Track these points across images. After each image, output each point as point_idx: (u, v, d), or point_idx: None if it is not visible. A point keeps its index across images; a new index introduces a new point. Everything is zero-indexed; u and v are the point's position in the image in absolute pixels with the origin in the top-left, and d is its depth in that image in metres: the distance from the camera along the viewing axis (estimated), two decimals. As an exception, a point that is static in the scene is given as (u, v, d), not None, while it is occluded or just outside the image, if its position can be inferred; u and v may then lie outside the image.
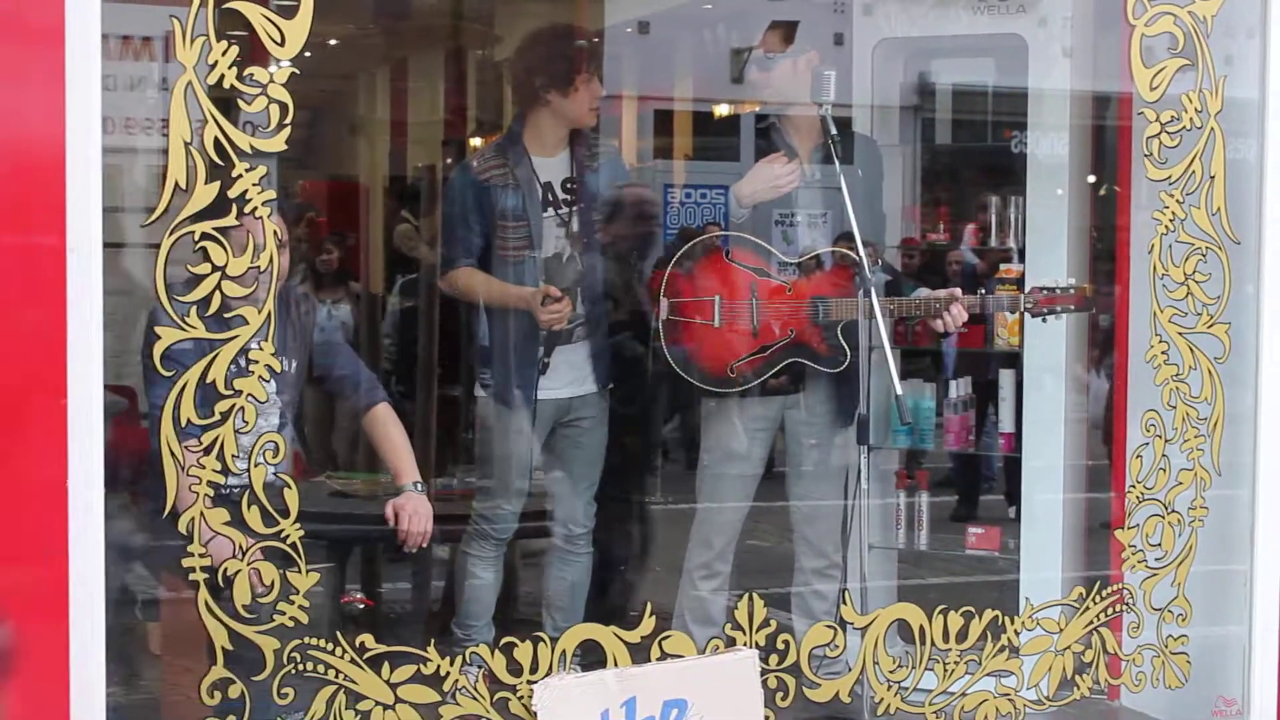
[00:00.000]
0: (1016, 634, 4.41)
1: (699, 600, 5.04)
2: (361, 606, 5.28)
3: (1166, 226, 4.49)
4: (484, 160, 5.26)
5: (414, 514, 4.46)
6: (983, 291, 5.31)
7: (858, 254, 4.76)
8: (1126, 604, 4.54)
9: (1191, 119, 4.46)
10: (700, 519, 5.22)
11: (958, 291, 5.03)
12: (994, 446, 6.11)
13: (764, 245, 5.10)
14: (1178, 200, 4.48)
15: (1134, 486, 4.52)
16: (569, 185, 5.19)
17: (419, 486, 4.51)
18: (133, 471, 4.18)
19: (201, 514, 3.46)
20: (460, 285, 5.24)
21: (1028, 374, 5.57)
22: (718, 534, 5.18)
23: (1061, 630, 4.47)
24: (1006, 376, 5.74)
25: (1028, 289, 5.16)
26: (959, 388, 5.89)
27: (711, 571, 5.12)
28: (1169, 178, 4.48)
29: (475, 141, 9.88)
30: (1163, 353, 4.52)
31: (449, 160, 8.88)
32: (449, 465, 6.29)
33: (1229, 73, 4.49)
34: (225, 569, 3.50)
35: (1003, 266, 5.79)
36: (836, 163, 4.88)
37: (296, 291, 4.86)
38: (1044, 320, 5.07)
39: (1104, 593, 4.53)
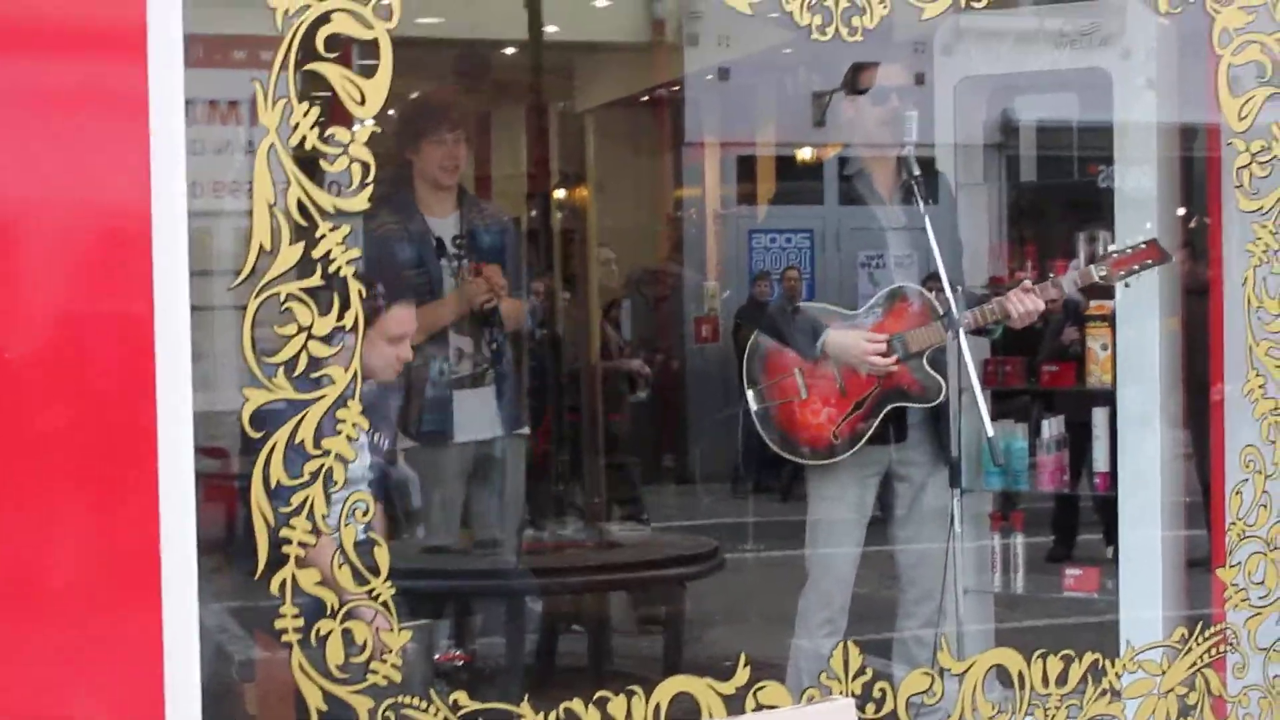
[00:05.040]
0: (1118, 677, 4.34)
1: (820, 658, 4.99)
2: (460, 664, 5.28)
3: (1260, 258, 4.43)
4: (377, 220, 5.30)
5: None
6: (1052, 275, 5.24)
7: (945, 295, 4.75)
8: (1230, 644, 4.46)
9: (1283, 149, 4.40)
10: (817, 574, 5.19)
11: (1026, 282, 4.99)
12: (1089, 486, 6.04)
13: (826, 306, 5.15)
14: (1271, 231, 4.42)
15: (1234, 523, 4.44)
16: (458, 241, 5.42)
17: None
18: (227, 532, 4.22)
19: (293, 575, 3.47)
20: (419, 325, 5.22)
21: (1122, 411, 5.50)
22: (837, 588, 5.15)
23: (1164, 672, 4.40)
24: (1100, 415, 5.67)
25: (1098, 258, 5.09)
26: (1051, 427, 5.82)
27: (835, 628, 5.08)
28: (1261, 208, 4.42)
29: (559, 194, 9.97)
30: (1260, 386, 4.45)
31: (533, 213, 8.94)
32: (538, 517, 6.30)
33: (1319, 100, 4.44)
34: (318, 629, 3.51)
35: (1094, 303, 5.72)
36: (920, 204, 4.86)
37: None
38: (1126, 284, 4.99)
39: (1206, 633, 4.45)
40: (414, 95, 6.11)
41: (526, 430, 5.75)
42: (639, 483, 8.85)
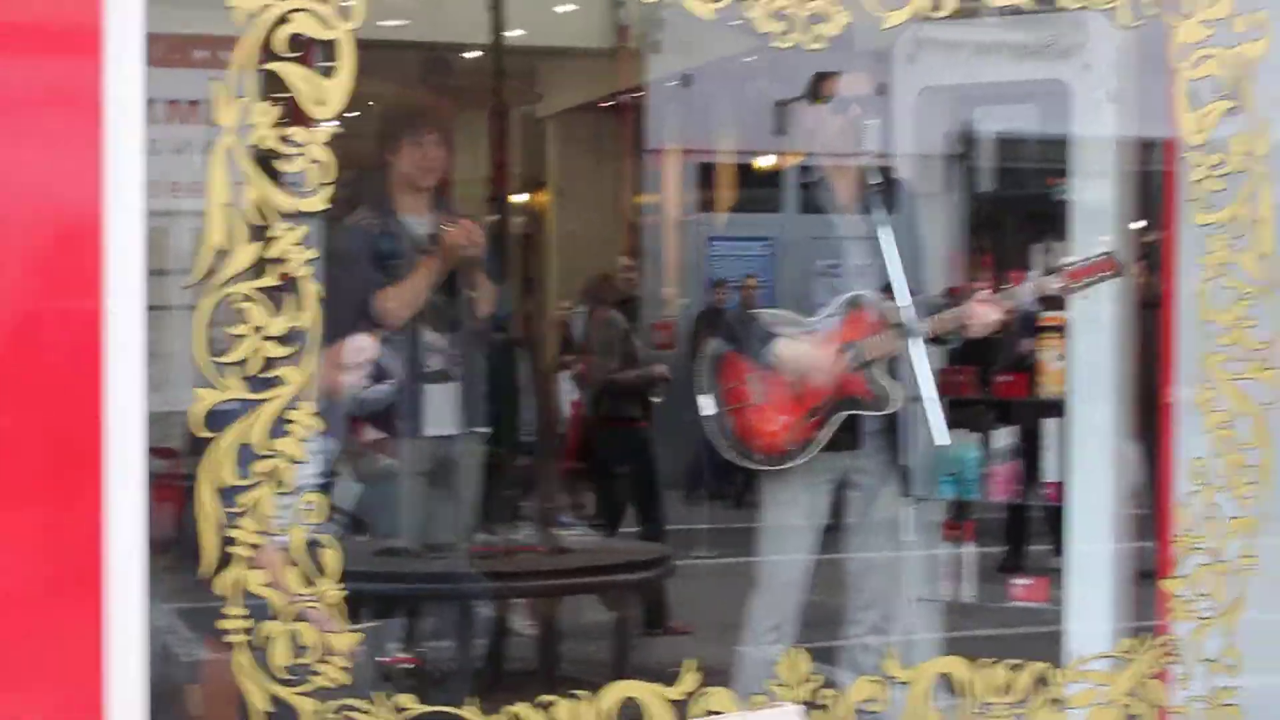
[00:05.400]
0: (1063, 687, 4.36)
1: (768, 665, 4.99)
2: (408, 667, 5.27)
3: (1214, 271, 4.45)
4: (356, 214, 5.45)
5: None
6: (1006, 285, 5.25)
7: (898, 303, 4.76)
8: (1175, 655, 4.48)
9: (1238, 163, 4.42)
10: (766, 581, 5.19)
11: (984, 292, 5.01)
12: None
13: (781, 313, 5.14)
14: (1225, 245, 4.44)
15: (1182, 535, 4.47)
16: (434, 239, 5.44)
17: None
18: (176, 532, 4.20)
19: (241, 575, 3.46)
20: (403, 299, 5.31)
21: (1074, 422, 5.52)
22: (786, 595, 5.15)
23: (1109, 683, 4.42)
24: (1052, 425, 5.70)
25: (1054, 269, 5.10)
26: (1004, 437, 5.85)
27: (782, 634, 5.09)
28: (1216, 222, 4.44)
29: (520, 198, 9.97)
30: (1210, 399, 4.47)
31: (496, 216, 8.94)
32: (488, 522, 6.30)
33: (1276, 114, 4.46)
34: (264, 630, 3.50)
35: (1045, 314, 5.74)
36: (878, 213, 4.88)
37: None
38: (1084, 296, 5.00)
39: (1152, 644, 4.48)
40: (395, 97, 6.13)
41: (487, 429, 5.76)
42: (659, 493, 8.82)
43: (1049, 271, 5.12)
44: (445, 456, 5.55)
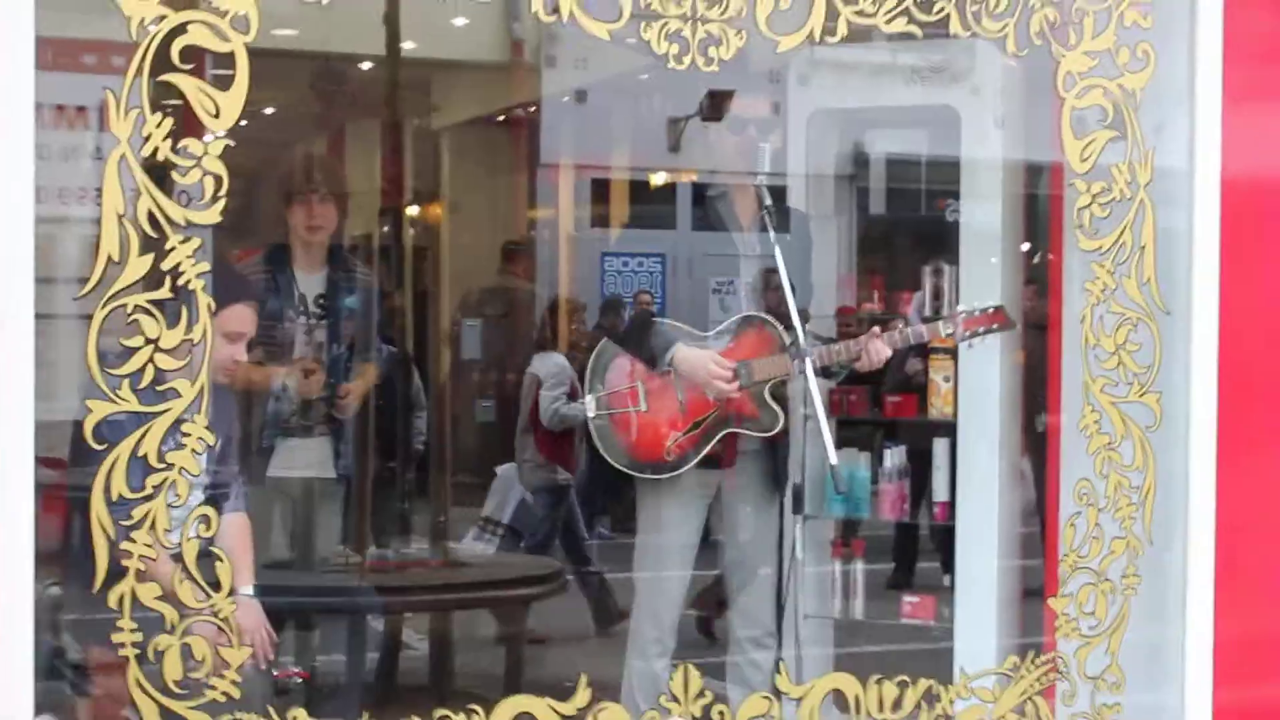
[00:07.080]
0: (951, 703, 4.41)
1: (652, 677, 5.01)
2: (299, 680, 5.23)
3: (1098, 297, 4.51)
4: (251, 264, 5.59)
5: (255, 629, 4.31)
6: (901, 325, 5.30)
7: (791, 322, 4.80)
8: (1060, 672, 4.55)
9: (1122, 190, 4.49)
10: (645, 594, 5.20)
11: (876, 329, 5.06)
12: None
13: (679, 326, 5.16)
14: (1109, 271, 4.51)
15: (1067, 555, 4.53)
16: (320, 300, 5.62)
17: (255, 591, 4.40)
18: (64, 546, 4.15)
19: (133, 589, 3.43)
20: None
21: (962, 442, 5.60)
22: (666, 608, 5.17)
23: (996, 699, 4.48)
24: (941, 445, 5.77)
25: (946, 314, 5.17)
26: (894, 457, 5.92)
27: (664, 648, 5.11)
28: (1100, 248, 4.50)
29: (413, 210, 9.94)
30: (1095, 422, 4.54)
31: (385, 228, 8.90)
32: (383, 536, 6.28)
33: (1158, 143, 4.53)
34: (156, 644, 3.47)
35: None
36: (771, 233, 4.91)
37: None
38: (970, 345, 5.08)
39: (1037, 661, 4.54)
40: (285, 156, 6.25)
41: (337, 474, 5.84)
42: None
43: (941, 317, 5.18)
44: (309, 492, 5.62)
